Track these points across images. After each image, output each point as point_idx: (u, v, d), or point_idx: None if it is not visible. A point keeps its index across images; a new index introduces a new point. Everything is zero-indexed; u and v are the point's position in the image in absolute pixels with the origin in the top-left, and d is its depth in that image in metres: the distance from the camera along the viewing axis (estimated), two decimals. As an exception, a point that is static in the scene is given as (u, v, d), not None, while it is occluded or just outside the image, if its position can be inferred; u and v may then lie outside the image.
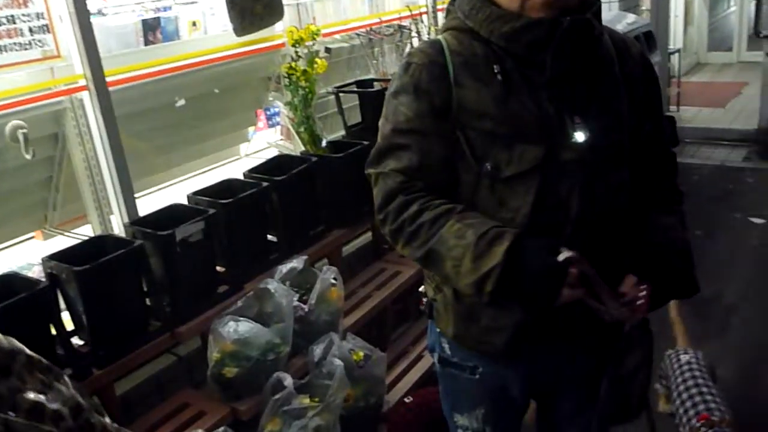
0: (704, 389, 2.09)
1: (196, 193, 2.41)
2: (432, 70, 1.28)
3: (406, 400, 2.43)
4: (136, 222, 2.27)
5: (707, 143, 5.60)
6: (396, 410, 2.41)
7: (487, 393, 1.51)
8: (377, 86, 3.21)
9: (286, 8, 3.12)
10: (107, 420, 1.02)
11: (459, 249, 1.21)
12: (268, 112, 3.57)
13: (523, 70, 1.26)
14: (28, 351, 0.94)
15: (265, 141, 3.56)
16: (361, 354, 2.34)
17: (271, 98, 3.37)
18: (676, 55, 6.52)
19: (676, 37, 7.45)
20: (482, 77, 1.26)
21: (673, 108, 6.22)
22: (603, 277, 1.24)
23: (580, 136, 1.26)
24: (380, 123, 1.35)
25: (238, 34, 2.94)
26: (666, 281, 1.33)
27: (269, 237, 2.58)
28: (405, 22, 3.86)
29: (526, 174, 1.25)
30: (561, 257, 1.17)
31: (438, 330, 1.50)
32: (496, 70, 1.25)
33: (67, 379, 0.99)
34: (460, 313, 1.40)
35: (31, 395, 0.88)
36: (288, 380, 2.12)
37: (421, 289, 1.59)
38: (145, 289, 2.12)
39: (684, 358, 2.21)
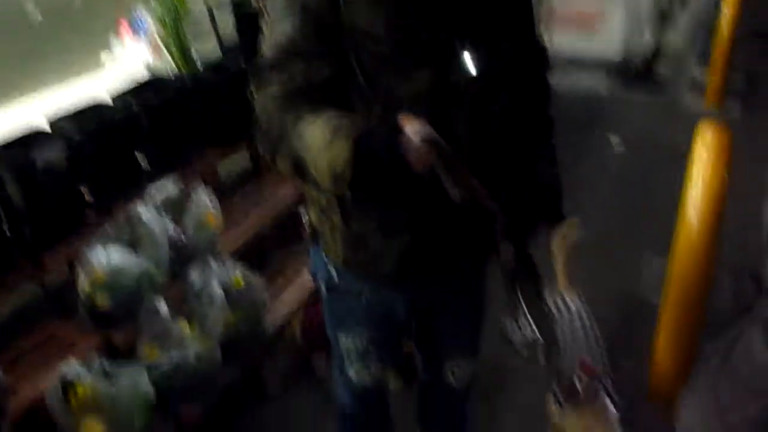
0: (592, 340, 1.95)
1: (59, 119, 2.24)
2: None
3: None
4: (-10, 146, 2.08)
5: (575, 70, 5.85)
6: (312, 309, 2.39)
7: (372, 316, 1.55)
8: (254, 4, 3.06)
9: None
10: None
11: (314, 150, 1.16)
12: (135, 24, 3.32)
13: None
14: None
15: (130, 54, 3.32)
16: (241, 279, 2.32)
17: (136, 10, 3.13)
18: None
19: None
20: None
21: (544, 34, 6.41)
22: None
23: (470, 61, 1.26)
24: (261, 42, 1.27)
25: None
26: (534, 209, 1.47)
27: (140, 161, 2.46)
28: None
29: (416, 98, 1.24)
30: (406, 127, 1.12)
31: (324, 256, 1.51)
32: None
33: None
34: (347, 240, 1.41)
35: None
36: (163, 307, 2.08)
37: (304, 218, 1.57)
38: (3, 218, 1.98)
39: (573, 305, 2.02)
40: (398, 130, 1.12)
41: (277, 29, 1.24)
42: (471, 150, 1.30)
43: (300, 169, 1.21)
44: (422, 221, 1.35)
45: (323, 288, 1.57)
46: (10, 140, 2.11)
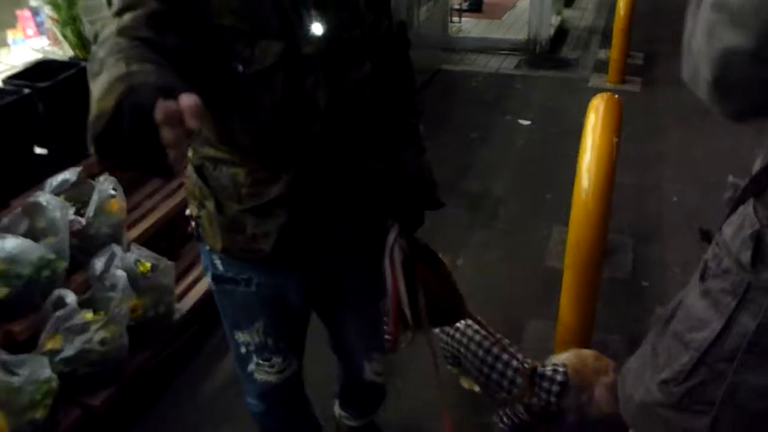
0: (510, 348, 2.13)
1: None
2: None
3: None
4: None
5: (485, 52, 6.00)
6: None
7: (265, 304, 1.51)
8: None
9: None
10: None
11: (95, 90, 0.96)
12: (38, 18, 3.19)
13: None
14: None
15: (30, 48, 3.20)
16: (148, 264, 2.29)
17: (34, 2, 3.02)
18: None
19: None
20: None
21: (456, 20, 6.54)
22: (351, 170, 1.36)
23: (317, 29, 1.25)
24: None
25: None
26: (410, 198, 1.52)
27: (38, 150, 2.38)
28: None
29: (270, 70, 1.23)
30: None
31: (207, 248, 1.47)
32: None
33: None
34: (224, 225, 1.38)
35: None
36: (70, 297, 2.04)
37: (186, 212, 1.52)
38: None
39: (469, 330, 2.19)
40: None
41: None
42: (331, 118, 1.31)
43: None
44: (297, 197, 1.34)
45: (212, 282, 1.53)
46: None
